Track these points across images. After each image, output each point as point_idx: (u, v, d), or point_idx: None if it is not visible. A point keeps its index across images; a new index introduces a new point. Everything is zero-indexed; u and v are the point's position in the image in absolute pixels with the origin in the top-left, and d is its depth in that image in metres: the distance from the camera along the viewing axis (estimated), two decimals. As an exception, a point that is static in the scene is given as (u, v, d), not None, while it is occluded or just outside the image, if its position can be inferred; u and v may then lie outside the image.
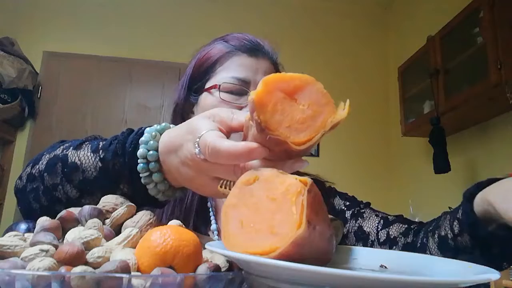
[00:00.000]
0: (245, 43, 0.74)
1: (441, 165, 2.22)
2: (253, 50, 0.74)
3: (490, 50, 1.86)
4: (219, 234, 0.72)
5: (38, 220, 0.36)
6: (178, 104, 0.77)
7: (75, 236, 0.33)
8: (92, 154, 0.49)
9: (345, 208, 0.72)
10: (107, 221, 0.40)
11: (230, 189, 0.38)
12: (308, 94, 0.35)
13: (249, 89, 0.70)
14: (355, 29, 3.47)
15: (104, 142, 0.50)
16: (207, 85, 0.73)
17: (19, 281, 0.26)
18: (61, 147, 0.53)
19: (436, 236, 0.57)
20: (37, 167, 0.52)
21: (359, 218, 0.68)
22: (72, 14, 3.25)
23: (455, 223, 0.53)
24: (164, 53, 3.22)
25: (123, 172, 0.47)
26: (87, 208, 0.39)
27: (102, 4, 3.29)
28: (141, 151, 0.45)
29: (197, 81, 0.75)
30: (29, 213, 0.52)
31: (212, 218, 0.74)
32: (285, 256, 0.28)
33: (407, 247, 0.63)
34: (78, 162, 0.49)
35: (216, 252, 0.33)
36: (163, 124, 0.48)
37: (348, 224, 0.71)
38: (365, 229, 0.64)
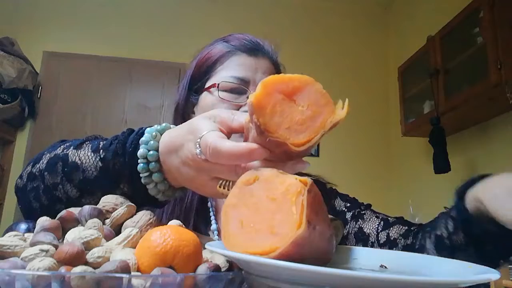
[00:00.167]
0: (245, 43, 0.75)
1: (441, 165, 2.22)
2: (253, 49, 0.74)
3: (490, 50, 1.86)
4: (219, 234, 0.72)
5: (38, 220, 0.36)
6: (179, 104, 0.78)
7: (75, 236, 0.33)
8: (92, 154, 0.49)
9: (346, 210, 0.72)
10: (107, 221, 0.40)
11: (229, 190, 0.38)
12: (307, 95, 0.35)
13: (249, 88, 0.70)
14: (355, 29, 3.47)
15: (104, 142, 0.50)
16: (207, 85, 0.73)
17: (19, 281, 0.26)
18: (62, 146, 0.53)
19: (432, 236, 0.57)
20: (38, 166, 0.52)
21: (359, 219, 0.68)
22: (72, 14, 3.25)
23: (449, 221, 0.53)
24: (164, 53, 3.22)
25: (123, 172, 0.47)
26: (87, 208, 0.39)
27: (102, 4, 3.29)
28: (141, 151, 0.45)
29: (197, 81, 0.76)
30: (29, 212, 0.52)
31: (212, 218, 0.74)
32: (285, 256, 0.28)
33: (406, 249, 0.63)
34: (79, 162, 0.49)
35: (216, 252, 0.33)
36: (164, 124, 0.48)
37: (349, 225, 0.71)
38: (365, 230, 0.64)
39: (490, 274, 0.30)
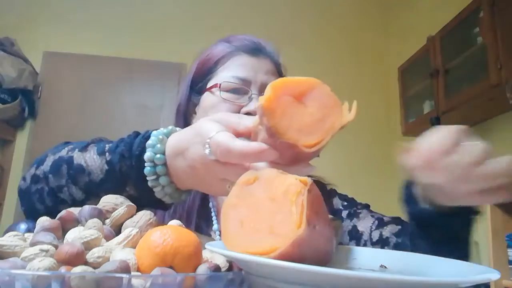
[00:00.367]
0: (246, 43, 0.75)
1: (441, 165, 2.22)
2: (254, 50, 0.74)
3: (490, 50, 1.86)
4: (220, 235, 0.72)
5: (38, 220, 0.36)
6: (181, 105, 0.78)
7: (75, 236, 0.33)
8: (98, 157, 0.49)
9: (342, 208, 0.72)
10: (107, 221, 0.40)
11: None
12: (315, 97, 0.35)
13: (250, 88, 0.71)
14: (355, 29, 3.47)
15: (110, 145, 0.50)
16: (209, 85, 0.73)
17: (19, 281, 0.26)
18: (66, 148, 0.53)
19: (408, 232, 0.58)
20: (42, 168, 0.52)
21: (354, 217, 0.68)
22: (72, 14, 3.25)
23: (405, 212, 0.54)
24: (164, 53, 3.22)
25: (129, 175, 0.47)
26: (87, 208, 0.39)
27: (102, 4, 3.29)
28: (148, 154, 0.45)
29: (199, 81, 0.76)
30: (32, 214, 0.52)
31: (214, 218, 0.74)
32: (285, 256, 0.28)
33: (396, 247, 0.63)
34: (84, 165, 0.49)
35: (216, 252, 0.33)
36: (170, 127, 0.48)
37: (344, 223, 0.71)
38: (359, 228, 0.64)
39: (490, 274, 0.30)
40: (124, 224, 0.39)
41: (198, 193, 0.72)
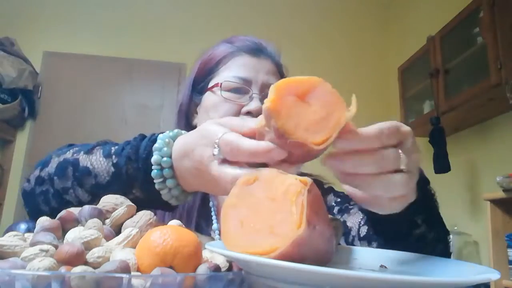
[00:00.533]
0: (247, 44, 0.75)
1: (441, 165, 2.22)
2: (255, 50, 0.75)
3: (490, 50, 1.86)
4: (220, 234, 0.72)
5: (38, 220, 0.36)
6: (183, 104, 0.79)
7: (75, 236, 0.33)
8: (104, 159, 0.49)
9: (335, 204, 0.72)
10: (107, 221, 0.40)
11: None
12: (318, 95, 0.35)
13: (251, 88, 0.71)
14: (355, 29, 3.47)
15: (116, 147, 0.50)
16: (210, 85, 0.74)
17: (19, 281, 0.26)
18: (71, 151, 0.53)
19: None
20: (46, 170, 0.53)
21: (345, 213, 0.69)
22: (72, 14, 3.25)
23: None
24: (164, 53, 3.22)
25: (136, 177, 0.47)
26: (87, 208, 0.39)
27: (102, 4, 3.29)
28: (155, 157, 0.46)
29: (200, 81, 0.77)
30: (37, 215, 0.53)
31: (213, 218, 0.74)
32: (285, 256, 0.28)
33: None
34: (90, 167, 0.49)
35: (216, 252, 0.33)
36: (176, 130, 0.49)
37: None
38: (348, 224, 0.64)
39: (490, 274, 0.30)
40: (124, 224, 0.39)
41: (199, 192, 0.72)
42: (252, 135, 0.41)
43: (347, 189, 0.38)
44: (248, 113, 0.69)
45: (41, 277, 0.26)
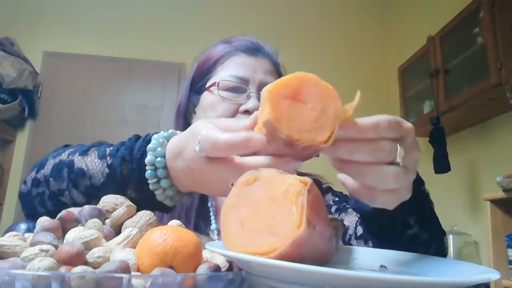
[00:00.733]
0: (245, 43, 0.76)
1: (441, 165, 2.23)
2: (253, 49, 0.75)
3: (490, 50, 1.86)
4: (219, 234, 0.72)
5: (38, 220, 0.36)
6: (181, 105, 0.79)
7: (75, 236, 0.33)
8: (99, 160, 0.49)
9: (332, 203, 0.72)
10: (107, 221, 0.40)
11: None
12: (309, 91, 0.35)
13: (248, 87, 0.71)
14: (355, 29, 3.47)
15: (111, 148, 0.50)
16: (208, 84, 0.74)
17: (19, 281, 0.26)
18: (66, 152, 0.53)
19: None
20: (42, 172, 0.52)
21: (342, 212, 0.69)
22: (72, 14, 3.25)
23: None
24: (164, 53, 3.22)
25: (130, 178, 0.47)
26: (87, 208, 0.39)
27: (102, 4, 3.29)
28: (149, 158, 0.45)
29: (198, 81, 0.77)
30: (34, 217, 0.53)
31: (212, 218, 0.74)
32: (285, 256, 0.28)
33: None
34: (85, 168, 0.49)
35: (216, 252, 0.33)
36: (170, 130, 0.48)
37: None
38: (345, 223, 0.64)
39: (490, 274, 0.30)
40: (124, 224, 0.39)
41: (197, 192, 0.72)
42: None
43: (340, 177, 0.38)
44: (246, 112, 0.69)
45: (41, 277, 0.26)
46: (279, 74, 0.78)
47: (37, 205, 0.52)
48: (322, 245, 0.32)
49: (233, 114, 0.70)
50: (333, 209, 0.72)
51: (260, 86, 0.71)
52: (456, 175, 2.38)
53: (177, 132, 0.48)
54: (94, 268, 0.29)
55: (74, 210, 0.39)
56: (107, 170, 0.48)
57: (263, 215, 0.31)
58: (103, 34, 3.23)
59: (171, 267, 0.31)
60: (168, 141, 0.47)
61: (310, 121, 0.35)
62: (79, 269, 0.28)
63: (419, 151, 0.39)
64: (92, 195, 0.49)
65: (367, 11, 3.52)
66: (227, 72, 0.72)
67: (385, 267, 0.41)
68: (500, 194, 1.83)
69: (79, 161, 0.50)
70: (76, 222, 0.37)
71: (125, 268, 0.29)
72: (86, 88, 3.16)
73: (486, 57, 1.89)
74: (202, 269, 0.32)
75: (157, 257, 0.31)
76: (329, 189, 0.77)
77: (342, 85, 0.36)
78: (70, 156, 0.52)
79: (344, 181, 0.38)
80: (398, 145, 0.36)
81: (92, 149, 0.52)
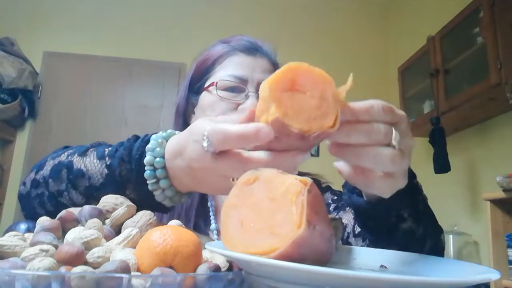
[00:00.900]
0: (243, 43, 0.76)
1: (441, 165, 2.23)
2: (251, 49, 0.75)
3: (490, 50, 1.86)
4: (218, 234, 0.72)
5: (38, 220, 0.36)
6: (180, 105, 0.79)
7: (75, 236, 0.33)
8: (98, 161, 0.49)
9: (331, 202, 0.72)
10: (107, 221, 0.40)
11: None
12: (304, 80, 0.35)
13: (247, 87, 0.71)
14: (355, 29, 3.47)
15: (110, 149, 0.50)
16: (206, 84, 0.74)
17: (19, 281, 0.26)
18: (65, 153, 0.53)
19: None
20: (41, 173, 0.53)
21: (341, 211, 0.69)
22: (72, 14, 3.25)
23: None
24: (164, 53, 3.22)
25: (129, 179, 0.47)
26: (87, 208, 0.39)
27: (102, 4, 3.29)
28: (148, 158, 0.45)
29: (197, 81, 0.77)
30: (33, 219, 0.53)
31: (212, 217, 0.74)
32: (285, 256, 0.28)
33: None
34: (84, 169, 0.49)
35: (216, 252, 0.33)
36: (169, 131, 0.48)
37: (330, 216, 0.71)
38: (343, 221, 0.64)
39: (490, 274, 0.30)
40: (124, 224, 0.39)
41: (197, 192, 0.72)
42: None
43: (337, 165, 0.38)
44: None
45: (41, 277, 0.26)
46: None
47: (37, 206, 0.52)
48: (322, 245, 0.32)
49: (232, 114, 0.70)
50: (331, 207, 0.72)
51: (259, 85, 0.71)
52: (456, 175, 2.38)
53: (176, 132, 0.48)
54: (94, 268, 0.29)
55: (74, 210, 0.39)
56: (106, 170, 0.48)
57: (263, 215, 0.31)
58: (103, 34, 3.23)
59: (171, 267, 0.31)
60: (167, 141, 0.47)
61: (313, 109, 0.35)
62: (79, 269, 0.28)
63: (412, 139, 0.39)
64: (91, 195, 0.49)
65: (367, 11, 3.52)
66: (225, 72, 0.72)
67: (385, 267, 0.41)
68: (500, 194, 1.83)
69: (78, 162, 0.50)
70: (76, 222, 0.37)
71: (125, 268, 0.29)
72: (86, 88, 3.16)
73: (486, 57, 1.89)
74: (202, 269, 0.32)
75: (157, 257, 0.31)
76: (328, 188, 0.77)
77: (341, 85, 0.36)
78: (69, 157, 0.52)
79: (340, 168, 0.38)
80: (393, 128, 0.36)
81: (91, 150, 0.52)
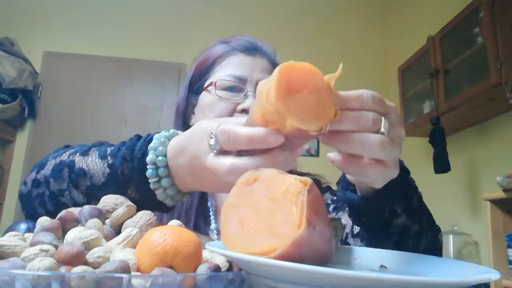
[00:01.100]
0: (242, 43, 0.76)
1: (441, 165, 2.23)
2: (250, 49, 0.75)
3: (490, 50, 1.86)
4: (218, 234, 0.72)
5: (38, 220, 0.36)
6: (180, 105, 0.79)
7: (75, 236, 0.33)
8: (100, 160, 0.49)
9: (331, 202, 0.72)
10: (107, 221, 0.40)
11: None
12: (298, 78, 0.35)
13: (246, 86, 0.71)
14: (355, 29, 3.47)
15: (112, 148, 0.50)
16: (206, 84, 0.74)
17: (19, 281, 0.26)
18: (67, 152, 0.53)
19: None
20: (42, 172, 0.52)
21: (340, 211, 0.69)
22: (72, 14, 3.25)
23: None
24: (164, 53, 3.22)
25: (131, 178, 0.47)
26: (87, 208, 0.39)
27: (102, 4, 3.29)
28: (150, 157, 0.45)
29: (197, 81, 0.77)
30: (34, 218, 0.53)
31: (212, 217, 0.74)
32: (285, 256, 0.28)
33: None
34: (86, 168, 0.49)
35: (216, 252, 0.33)
36: (172, 130, 0.48)
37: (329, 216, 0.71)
38: (342, 221, 0.65)
39: (490, 274, 0.30)
40: (124, 224, 0.39)
41: (197, 192, 0.72)
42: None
43: (329, 155, 0.39)
44: (244, 111, 0.69)
45: (41, 277, 0.26)
46: None
47: (37, 205, 0.52)
48: (322, 245, 0.32)
49: (231, 114, 0.70)
50: (331, 208, 0.72)
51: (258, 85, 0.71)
52: (456, 175, 2.38)
53: (179, 132, 0.48)
54: (94, 268, 0.29)
55: (74, 210, 0.39)
56: (108, 170, 0.48)
57: (263, 215, 0.31)
58: (103, 34, 3.23)
59: (171, 267, 0.31)
60: (169, 140, 0.47)
61: (314, 104, 0.35)
62: (79, 269, 0.28)
63: (403, 129, 0.40)
64: (93, 195, 0.49)
65: (367, 11, 3.52)
66: (224, 72, 0.73)
67: (385, 267, 0.41)
68: (500, 194, 1.83)
69: (79, 161, 0.50)
70: (76, 222, 0.37)
71: (125, 268, 0.29)
72: (86, 88, 3.16)
73: (486, 57, 1.89)
74: (202, 269, 0.32)
75: (157, 257, 0.31)
76: (328, 188, 0.77)
77: (342, 85, 0.36)
78: (71, 157, 0.52)
79: (333, 158, 0.38)
80: (382, 117, 0.37)
81: (93, 149, 0.52)
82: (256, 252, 0.29)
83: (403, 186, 0.47)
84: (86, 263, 0.30)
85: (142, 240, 0.33)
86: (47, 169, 0.52)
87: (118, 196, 0.43)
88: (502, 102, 1.92)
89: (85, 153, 0.51)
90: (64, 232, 0.36)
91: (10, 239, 0.32)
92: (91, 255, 0.31)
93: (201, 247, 0.34)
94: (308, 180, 0.31)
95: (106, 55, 3.19)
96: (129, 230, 0.36)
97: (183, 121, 0.79)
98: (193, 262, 0.32)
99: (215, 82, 0.71)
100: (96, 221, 0.36)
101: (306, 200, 0.30)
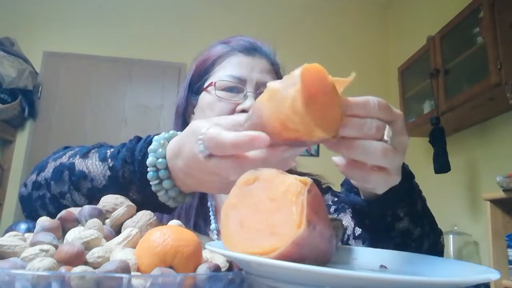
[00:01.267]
0: (242, 43, 0.76)
1: (441, 165, 2.23)
2: (250, 49, 0.75)
3: (490, 50, 1.86)
4: (218, 234, 0.72)
5: (38, 220, 0.36)
6: (180, 105, 0.79)
7: (75, 236, 0.33)
8: (100, 163, 0.49)
9: (331, 203, 0.72)
10: (107, 221, 0.40)
11: None
12: (314, 83, 0.35)
13: (245, 87, 0.71)
14: (355, 29, 3.47)
15: (112, 150, 0.50)
16: (205, 85, 0.74)
17: (19, 281, 0.26)
18: (67, 154, 0.53)
19: None
20: (43, 174, 0.52)
21: (341, 212, 0.69)
22: (72, 14, 3.25)
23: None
24: (164, 53, 3.22)
25: (132, 180, 0.47)
26: (87, 208, 0.39)
27: (102, 4, 3.29)
28: (150, 159, 0.45)
29: (197, 82, 0.77)
30: (35, 220, 0.53)
31: (212, 217, 0.74)
32: (285, 256, 0.28)
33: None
34: (86, 171, 0.49)
35: (216, 252, 0.33)
36: (171, 131, 0.48)
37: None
38: (344, 223, 0.65)
39: (490, 274, 0.30)
40: (124, 224, 0.39)
41: (197, 192, 0.72)
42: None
43: (335, 160, 0.39)
44: (243, 112, 0.69)
45: (41, 277, 0.26)
46: (277, 74, 0.78)
47: (38, 208, 0.52)
48: (322, 245, 0.32)
49: (230, 114, 0.70)
50: (332, 209, 0.72)
51: (258, 85, 0.72)
52: (456, 175, 2.38)
53: (178, 133, 0.48)
54: (94, 268, 0.29)
55: (74, 210, 0.39)
56: (108, 172, 0.48)
57: (263, 215, 0.31)
58: (103, 34, 3.23)
59: (171, 267, 0.31)
60: (169, 142, 0.47)
61: (328, 108, 0.35)
62: (79, 269, 0.28)
63: (407, 137, 0.40)
64: (94, 197, 0.49)
65: (367, 11, 3.52)
66: (224, 72, 0.73)
67: (385, 267, 0.41)
68: (500, 194, 1.83)
69: (80, 164, 0.50)
70: (76, 222, 0.37)
71: (125, 268, 0.29)
72: (86, 88, 3.16)
73: (486, 57, 1.89)
74: (202, 269, 0.32)
75: (157, 257, 0.31)
76: (329, 189, 0.77)
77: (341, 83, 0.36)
78: (71, 159, 0.52)
79: (337, 162, 0.39)
80: (386, 125, 0.37)
81: (93, 151, 0.52)
82: (256, 252, 0.29)
83: (407, 191, 0.47)
84: (86, 263, 0.30)
85: (142, 240, 0.33)
86: (48, 172, 0.52)
87: (118, 196, 0.43)
88: (502, 102, 1.92)
89: (84, 155, 0.51)
90: (64, 232, 0.36)
91: (10, 239, 0.32)
92: (91, 255, 0.31)
93: (201, 247, 0.34)
94: (308, 180, 0.31)
95: (106, 55, 3.19)
96: (129, 230, 0.36)
97: (183, 121, 0.79)
98: (193, 262, 0.32)
99: (215, 83, 0.71)
100: (96, 221, 0.36)
101: (306, 200, 0.30)
